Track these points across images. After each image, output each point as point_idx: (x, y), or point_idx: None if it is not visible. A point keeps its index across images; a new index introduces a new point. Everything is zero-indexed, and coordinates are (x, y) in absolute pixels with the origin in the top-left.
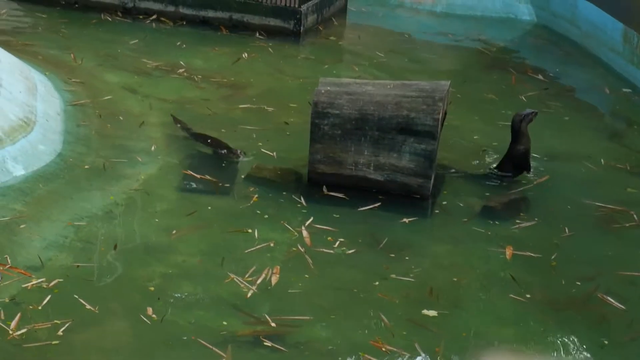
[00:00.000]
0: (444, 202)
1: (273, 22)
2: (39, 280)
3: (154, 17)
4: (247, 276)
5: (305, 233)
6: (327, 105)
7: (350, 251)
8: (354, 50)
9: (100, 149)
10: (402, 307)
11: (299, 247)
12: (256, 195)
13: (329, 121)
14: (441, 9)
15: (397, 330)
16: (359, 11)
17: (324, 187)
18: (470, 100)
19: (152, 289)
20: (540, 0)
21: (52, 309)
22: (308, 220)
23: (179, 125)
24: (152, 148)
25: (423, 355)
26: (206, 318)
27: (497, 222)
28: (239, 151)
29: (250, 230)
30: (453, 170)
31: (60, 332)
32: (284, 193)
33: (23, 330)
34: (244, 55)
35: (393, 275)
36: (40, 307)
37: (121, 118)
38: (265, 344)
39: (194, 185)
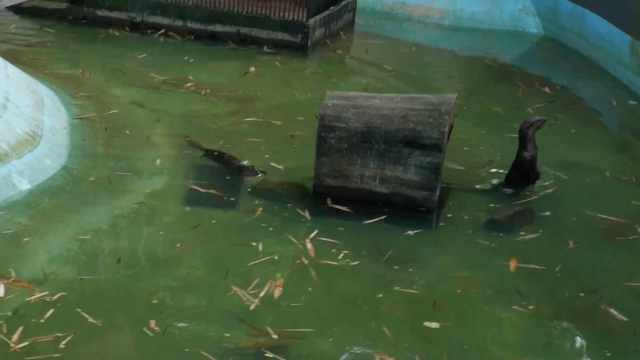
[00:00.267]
0: (449, 214)
1: (281, 36)
2: (43, 294)
3: (162, 31)
4: (250, 289)
5: (309, 246)
6: (334, 119)
7: (354, 263)
8: (362, 64)
9: (106, 163)
10: (405, 319)
11: (303, 260)
12: (261, 209)
13: (336, 134)
14: (449, 22)
15: (400, 343)
16: (366, 25)
17: (329, 199)
18: (476, 113)
19: (156, 301)
20: (548, 13)
21: (55, 322)
22: (313, 233)
23: (194, 147)
24: (158, 162)
25: None
26: (209, 330)
27: (501, 234)
28: (255, 168)
29: (254, 243)
30: (458, 183)
31: (62, 345)
32: (289, 206)
33: (25, 344)
34: (251, 69)
35: (397, 288)
36: (42, 320)
37: (127, 132)
38: (267, 355)
39: (199, 199)
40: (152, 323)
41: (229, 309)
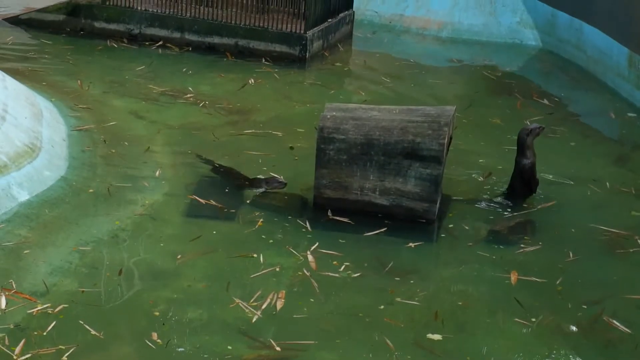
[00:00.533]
0: (450, 226)
1: (279, 48)
2: (45, 306)
3: (160, 43)
4: (252, 301)
5: (310, 257)
6: (333, 131)
7: (356, 275)
8: (360, 76)
9: (106, 174)
10: (407, 331)
11: (305, 272)
12: (261, 220)
13: (335, 146)
14: (447, 35)
15: (402, 355)
16: (364, 37)
17: (329, 211)
18: (475, 125)
19: (157, 313)
20: (546, 26)
21: (57, 335)
22: (314, 245)
23: (204, 162)
24: (158, 173)
25: None
26: (211, 342)
27: (502, 246)
28: (280, 178)
29: (255, 255)
30: (459, 194)
31: (65, 358)
32: (290, 218)
33: (27, 356)
34: (250, 81)
35: (398, 299)
36: (45, 333)
37: (127, 143)
38: None
39: (199, 210)
40: (155, 335)
41: (231, 321)
